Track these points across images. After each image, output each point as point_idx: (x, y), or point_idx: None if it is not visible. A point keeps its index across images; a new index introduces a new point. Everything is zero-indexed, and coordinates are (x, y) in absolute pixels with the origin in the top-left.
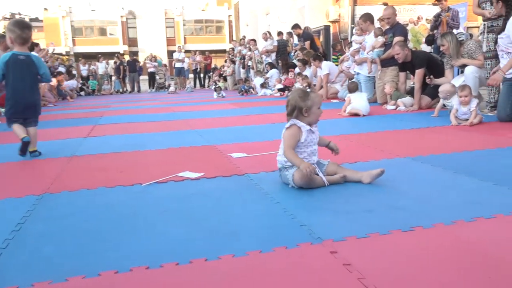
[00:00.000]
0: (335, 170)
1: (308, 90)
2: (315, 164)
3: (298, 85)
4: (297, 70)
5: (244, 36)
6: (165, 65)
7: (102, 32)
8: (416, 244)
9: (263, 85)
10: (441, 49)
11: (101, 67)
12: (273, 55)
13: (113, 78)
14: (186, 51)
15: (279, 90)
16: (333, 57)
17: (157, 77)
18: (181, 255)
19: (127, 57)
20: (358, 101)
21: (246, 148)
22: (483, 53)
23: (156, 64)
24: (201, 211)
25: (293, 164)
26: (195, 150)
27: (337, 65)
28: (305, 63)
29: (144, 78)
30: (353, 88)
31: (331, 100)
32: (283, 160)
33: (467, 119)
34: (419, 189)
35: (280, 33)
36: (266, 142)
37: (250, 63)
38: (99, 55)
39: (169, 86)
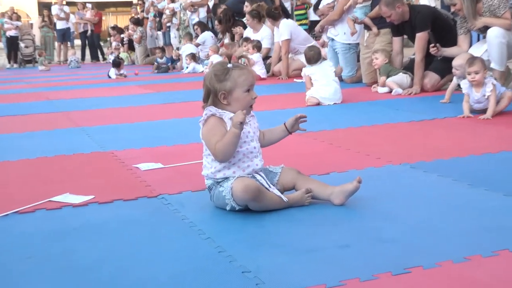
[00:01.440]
0: (293, 181)
1: (230, 65)
2: (261, 172)
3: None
4: (245, 33)
5: None
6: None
7: None
8: None
9: (192, 58)
10: (452, 9)
11: None
12: (202, 11)
13: None
14: (69, 3)
15: None
16: (297, 13)
17: (22, 45)
18: None
19: None
20: (322, 82)
21: (161, 155)
22: (510, 9)
23: (20, 24)
24: (88, 254)
25: (230, 142)
26: (81, 160)
27: (303, 25)
28: (256, 16)
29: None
30: (313, 56)
31: (295, 80)
32: (211, 173)
33: (483, 110)
34: (417, 212)
35: None
36: (193, 145)
37: (175, 20)
38: None
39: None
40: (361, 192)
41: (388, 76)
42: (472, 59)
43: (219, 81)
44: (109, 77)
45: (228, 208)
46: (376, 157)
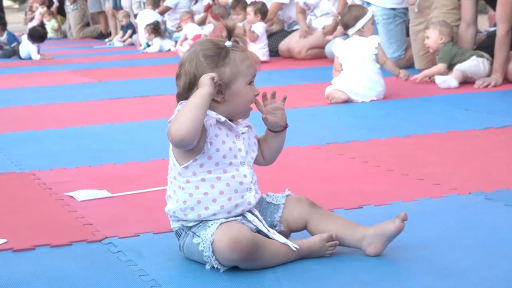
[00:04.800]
0: (304, 217)
1: (229, 42)
2: (256, 205)
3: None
4: None
5: None
6: None
7: None
8: None
9: (154, 31)
10: None
11: None
12: None
13: None
14: None
15: None
16: None
17: None
18: None
19: None
20: (354, 69)
21: (108, 178)
22: None
23: None
24: None
25: (192, 106)
26: None
27: None
28: None
29: None
30: (348, 21)
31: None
32: (179, 210)
33: None
34: (497, 267)
35: None
36: (157, 163)
37: None
38: None
39: None
40: (407, 235)
41: (452, 64)
42: None
43: (214, 66)
44: (21, 58)
45: (207, 267)
46: (434, 183)
